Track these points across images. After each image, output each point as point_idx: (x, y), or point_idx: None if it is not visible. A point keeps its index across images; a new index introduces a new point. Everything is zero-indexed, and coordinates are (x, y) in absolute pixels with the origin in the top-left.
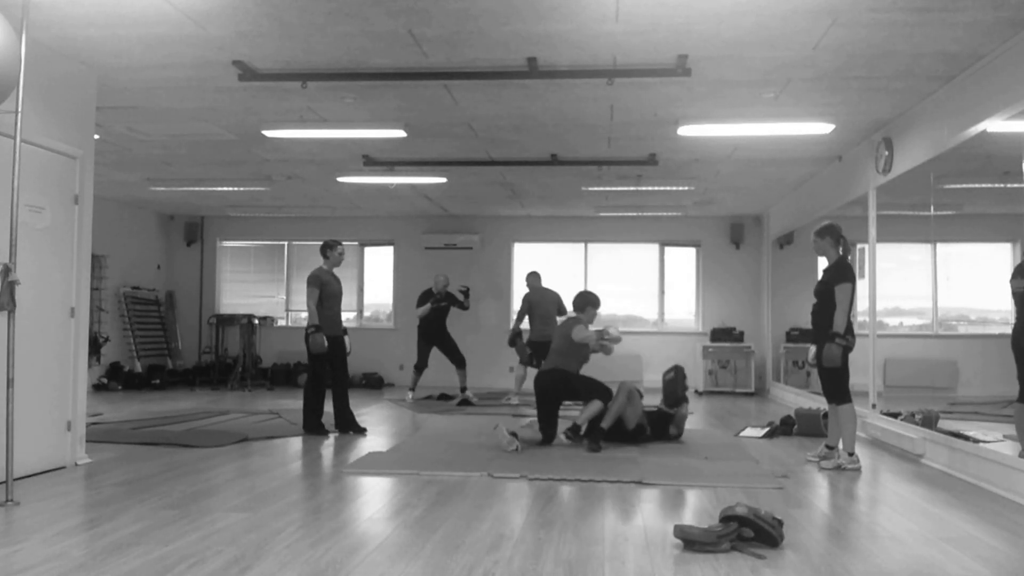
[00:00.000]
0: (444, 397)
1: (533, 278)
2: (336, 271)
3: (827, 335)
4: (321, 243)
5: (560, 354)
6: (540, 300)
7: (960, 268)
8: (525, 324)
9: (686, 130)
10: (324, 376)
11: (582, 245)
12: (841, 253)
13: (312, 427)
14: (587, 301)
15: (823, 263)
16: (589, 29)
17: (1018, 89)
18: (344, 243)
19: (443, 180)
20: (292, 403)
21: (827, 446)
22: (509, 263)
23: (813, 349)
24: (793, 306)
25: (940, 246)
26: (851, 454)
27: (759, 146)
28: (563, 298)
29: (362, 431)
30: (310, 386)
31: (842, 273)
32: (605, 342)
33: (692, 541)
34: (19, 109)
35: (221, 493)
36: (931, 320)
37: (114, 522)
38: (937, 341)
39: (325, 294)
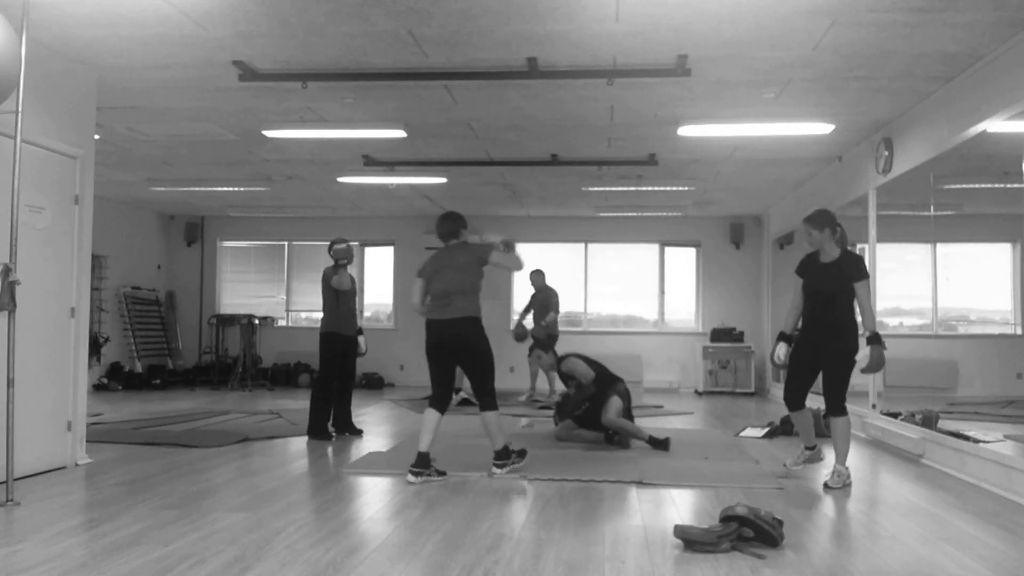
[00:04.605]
0: None
1: (538, 276)
2: (348, 269)
3: (848, 335)
4: (328, 243)
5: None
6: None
7: (960, 268)
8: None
9: (686, 130)
10: (333, 377)
11: (582, 245)
12: (839, 244)
13: (318, 432)
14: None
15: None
16: (589, 29)
17: (1018, 89)
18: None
19: (443, 180)
20: (292, 403)
21: (806, 447)
22: None
23: (783, 348)
24: None
25: (940, 246)
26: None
27: (759, 146)
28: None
29: (358, 433)
30: (319, 388)
31: (860, 268)
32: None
33: (692, 541)
34: (19, 109)
35: (221, 493)
36: (931, 320)
37: (114, 522)
38: (937, 341)
39: (339, 292)
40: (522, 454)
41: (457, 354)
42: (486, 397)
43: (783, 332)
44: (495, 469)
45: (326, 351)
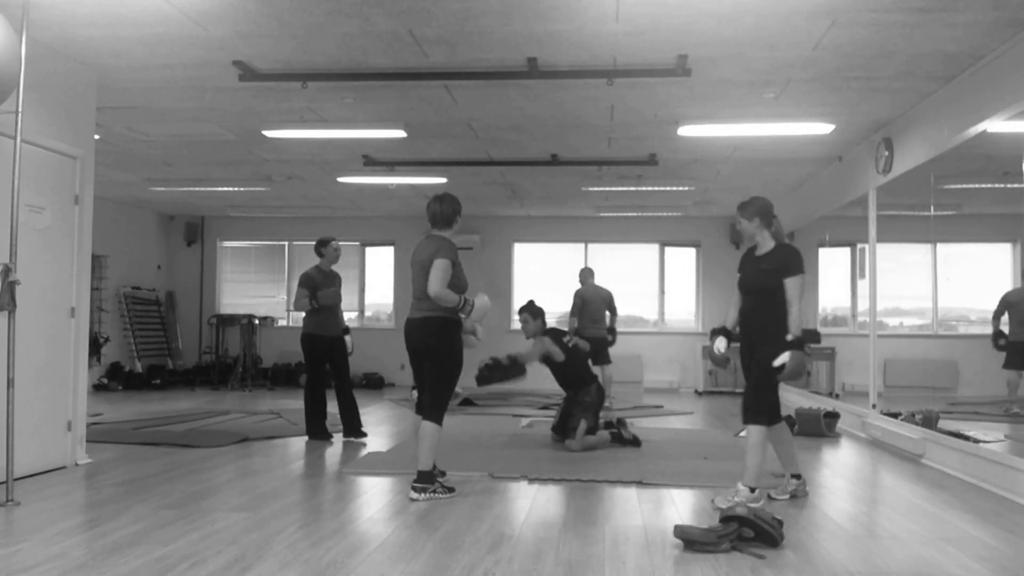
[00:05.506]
0: None
1: (586, 274)
2: (335, 268)
3: (777, 339)
4: (315, 242)
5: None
6: (592, 297)
7: (960, 268)
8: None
9: (686, 130)
10: (321, 378)
11: (582, 245)
12: (775, 237)
13: (316, 432)
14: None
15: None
16: (589, 29)
17: (1018, 89)
18: (343, 242)
19: (443, 180)
20: (292, 403)
21: (793, 476)
22: (509, 263)
23: (723, 341)
24: None
25: (940, 246)
26: (752, 489)
27: (759, 146)
28: (614, 297)
29: (361, 435)
30: (308, 389)
31: (793, 262)
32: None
33: (692, 541)
34: (19, 109)
35: (221, 493)
36: (931, 320)
37: (114, 522)
38: (937, 341)
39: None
40: (449, 490)
41: (422, 356)
42: (436, 409)
43: (720, 326)
44: (413, 493)
45: (307, 353)
